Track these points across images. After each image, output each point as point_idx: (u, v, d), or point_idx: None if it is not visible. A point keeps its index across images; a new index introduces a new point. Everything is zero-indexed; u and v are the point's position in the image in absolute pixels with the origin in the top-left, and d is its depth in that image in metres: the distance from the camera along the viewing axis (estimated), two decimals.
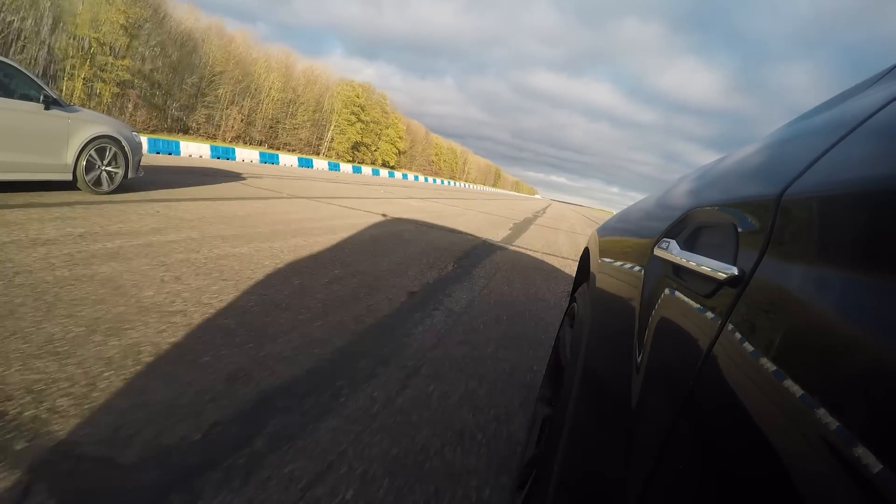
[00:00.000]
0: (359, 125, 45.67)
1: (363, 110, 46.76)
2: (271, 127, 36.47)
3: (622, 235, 1.19)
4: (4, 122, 3.95)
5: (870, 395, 0.27)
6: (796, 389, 0.31)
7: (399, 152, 56.55)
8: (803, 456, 0.29)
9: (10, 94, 4.04)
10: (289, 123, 38.04)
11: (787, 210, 0.45)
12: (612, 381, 0.72)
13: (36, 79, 4.26)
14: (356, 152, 46.77)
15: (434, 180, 50.08)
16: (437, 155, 72.20)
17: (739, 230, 0.52)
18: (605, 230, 1.47)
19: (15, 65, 4.13)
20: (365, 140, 48.02)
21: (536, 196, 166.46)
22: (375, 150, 50.79)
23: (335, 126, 43.57)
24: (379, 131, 51.18)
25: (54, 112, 4.32)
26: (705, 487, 0.39)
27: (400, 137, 55.17)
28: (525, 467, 1.19)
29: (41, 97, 4.20)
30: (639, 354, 0.63)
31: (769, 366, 0.34)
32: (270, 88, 35.73)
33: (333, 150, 43.38)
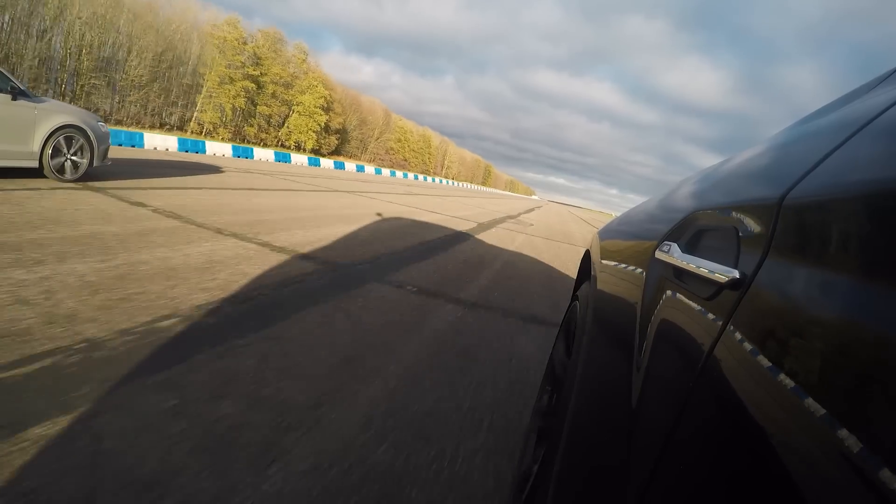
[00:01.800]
0: (242, 86, 28.36)
1: (259, 66, 29.92)
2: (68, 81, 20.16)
3: (623, 238, 1.19)
4: None
5: (871, 398, 0.27)
6: (797, 392, 0.31)
7: (327, 131, 37.12)
8: (804, 458, 0.29)
9: None
10: (104, 78, 21.40)
11: (788, 213, 0.45)
12: (612, 382, 0.72)
13: (4, 71, 4.50)
14: (248, 126, 30.13)
15: (394, 174, 36.32)
16: (399, 141, 54.43)
17: (741, 234, 0.52)
18: (606, 233, 1.47)
19: None
20: (263, 110, 30.96)
21: (534, 197, 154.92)
22: (284, 126, 33.60)
23: (206, 89, 26.87)
24: (290, 98, 33.21)
25: (21, 102, 4.56)
26: (705, 490, 0.39)
27: (323, 108, 35.52)
28: (523, 474, 1.19)
29: (8, 88, 4.44)
30: (640, 356, 0.64)
31: (770, 369, 0.35)
32: (72, 22, 19.27)
33: (204, 123, 27.31)
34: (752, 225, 0.51)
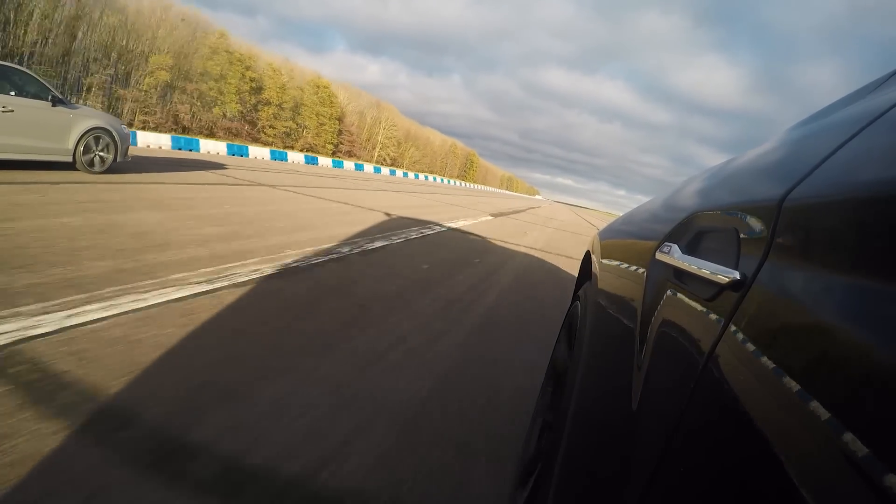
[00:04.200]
0: None
1: None
2: None
3: (624, 238, 1.18)
4: (22, 115, 5.13)
5: (871, 399, 0.26)
6: (798, 393, 0.30)
7: None
8: (805, 459, 0.29)
9: (25, 94, 5.22)
10: None
11: (788, 214, 0.45)
12: (613, 383, 0.72)
13: (45, 83, 5.44)
14: None
15: (195, 144, 16.61)
16: (217, 81, 27.85)
17: (741, 234, 0.52)
18: (607, 233, 1.47)
19: (29, 72, 5.33)
20: None
21: (537, 197, 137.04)
22: None
23: None
24: None
25: (59, 108, 5.51)
26: (706, 491, 0.39)
27: None
28: (526, 466, 1.19)
29: (49, 97, 5.40)
30: (641, 357, 0.63)
31: (770, 369, 0.34)
32: None
33: None
34: (753, 226, 0.51)
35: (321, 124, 38.19)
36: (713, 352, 0.43)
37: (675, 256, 0.64)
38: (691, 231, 0.71)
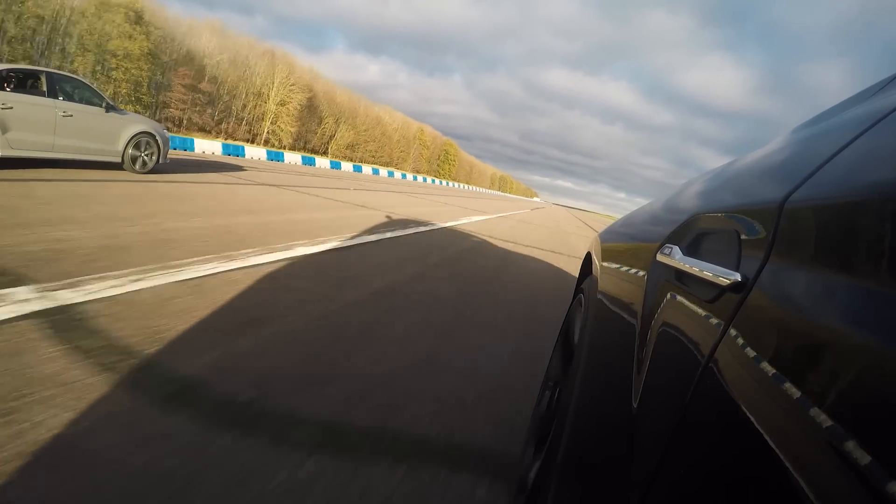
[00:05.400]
0: None
1: None
2: None
3: (625, 240, 1.17)
4: (80, 120, 5.55)
5: (872, 402, 0.26)
6: (798, 395, 0.30)
7: None
8: (804, 461, 0.28)
9: (81, 101, 5.62)
10: None
11: (789, 216, 0.44)
12: (613, 385, 0.71)
13: (99, 91, 5.84)
14: None
15: None
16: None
17: (742, 236, 0.51)
18: (607, 234, 1.45)
19: (85, 81, 5.79)
20: None
21: (535, 199, 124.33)
22: None
23: None
24: None
25: (111, 114, 5.93)
26: (706, 493, 0.38)
27: None
28: (524, 475, 1.16)
29: (103, 104, 5.79)
30: (641, 359, 0.62)
31: (770, 372, 0.34)
32: None
33: None
34: (754, 228, 0.50)
35: (108, 69, 20.72)
36: (713, 354, 0.43)
37: (675, 258, 0.63)
38: (692, 233, 0.69)
